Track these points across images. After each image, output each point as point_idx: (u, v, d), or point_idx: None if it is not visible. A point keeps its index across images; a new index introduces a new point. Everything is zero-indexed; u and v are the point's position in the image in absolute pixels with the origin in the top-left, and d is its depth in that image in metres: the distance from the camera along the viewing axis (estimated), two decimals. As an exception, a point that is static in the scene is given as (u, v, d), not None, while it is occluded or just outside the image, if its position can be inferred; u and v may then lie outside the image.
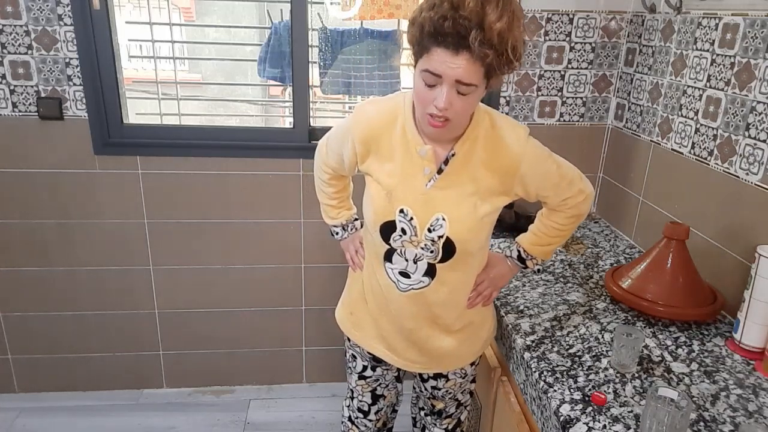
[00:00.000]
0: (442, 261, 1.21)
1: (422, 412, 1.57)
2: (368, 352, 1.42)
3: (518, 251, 1.34)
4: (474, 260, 1.27)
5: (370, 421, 1.56)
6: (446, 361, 1.37)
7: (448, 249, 1.19)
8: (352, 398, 1.56)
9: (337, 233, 1.47)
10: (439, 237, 1.18)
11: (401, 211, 1.19)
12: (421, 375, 1.47)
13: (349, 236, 1.46)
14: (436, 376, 1.43)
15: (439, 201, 1.17)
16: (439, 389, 1.45)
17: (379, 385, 1.50)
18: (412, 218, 1.18)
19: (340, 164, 1.32)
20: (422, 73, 1.04)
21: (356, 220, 1.48)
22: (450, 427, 1.53)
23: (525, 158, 1.16)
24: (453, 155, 1.15)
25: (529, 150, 1.17)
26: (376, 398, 1.52)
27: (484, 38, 0.96)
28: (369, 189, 1.24)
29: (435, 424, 1.53)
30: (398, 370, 1.50)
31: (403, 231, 1.20)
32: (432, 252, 1.19)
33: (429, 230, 1.18)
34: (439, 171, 1.17)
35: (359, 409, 1.55)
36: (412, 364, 1.37)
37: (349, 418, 1.59)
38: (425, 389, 1.49)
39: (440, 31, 0.98)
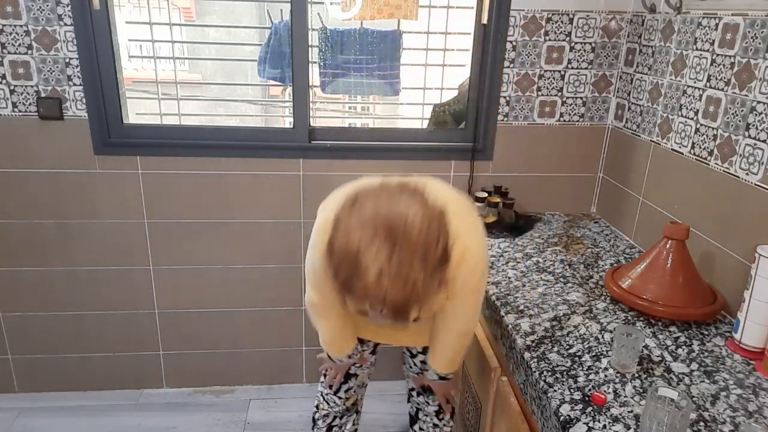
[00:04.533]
0: None
1: (414, 392, 1.59)
2: None
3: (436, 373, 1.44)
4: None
5: (340, 398, 1.60)
6: (424, 337, 1.44)
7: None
8: (325, 375, 1.60)
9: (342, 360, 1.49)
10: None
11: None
12: (410, 350, 1.53)
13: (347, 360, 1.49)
14: (425, 351, 1.47)
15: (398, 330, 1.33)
16: (428, 364, 1.48)
17: (354, 364, 1.55)
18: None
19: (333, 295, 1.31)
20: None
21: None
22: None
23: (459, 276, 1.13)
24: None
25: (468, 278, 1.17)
26: (348, 377, 1.57)
27: (387, 309, 0.94)
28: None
29: (427, 402, 1.57)
30: (375, 345, 1.56)
31: None
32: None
33: None
34: None
35: (330, 386, 1.59)
36: (390, 339, 1.47)
37: (321, 394, 1.64)
38: (414, 365, 1.53)
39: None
